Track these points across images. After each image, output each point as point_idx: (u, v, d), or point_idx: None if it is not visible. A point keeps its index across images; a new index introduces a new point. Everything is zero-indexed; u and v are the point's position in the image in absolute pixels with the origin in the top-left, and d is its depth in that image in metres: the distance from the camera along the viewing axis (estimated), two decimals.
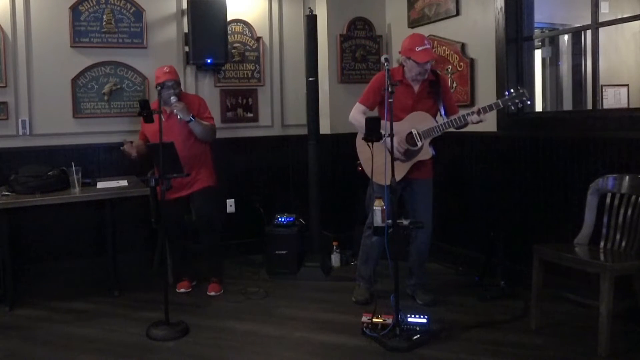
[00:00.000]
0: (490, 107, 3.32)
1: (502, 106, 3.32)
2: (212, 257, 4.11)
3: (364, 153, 3.61)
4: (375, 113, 3.66)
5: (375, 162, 3.50)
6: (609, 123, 3.32)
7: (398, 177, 3.35)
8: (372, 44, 5.16)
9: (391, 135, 3.13)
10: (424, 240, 3.65)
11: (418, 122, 3.46)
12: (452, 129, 3.49)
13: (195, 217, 4.04)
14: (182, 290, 4.05)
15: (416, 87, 3.54)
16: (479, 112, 3.31)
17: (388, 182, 3.24)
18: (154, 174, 4.28)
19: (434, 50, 4.46)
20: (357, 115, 3.60)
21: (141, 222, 4.58)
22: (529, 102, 3.34)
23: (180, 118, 3.79)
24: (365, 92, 3.66)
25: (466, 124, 3.44)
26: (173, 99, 3.82)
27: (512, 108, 3.34)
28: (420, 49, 3.42)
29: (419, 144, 3.44)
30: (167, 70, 3.92)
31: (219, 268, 4.16)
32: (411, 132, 3.45)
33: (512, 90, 3.33)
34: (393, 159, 3.18)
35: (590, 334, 2.90)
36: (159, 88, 3.75)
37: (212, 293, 4.00)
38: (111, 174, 4.55)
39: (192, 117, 3.82)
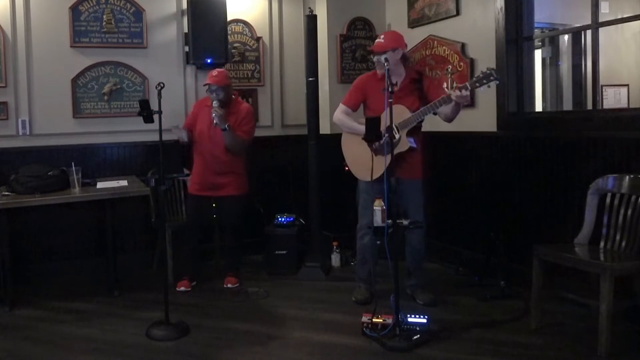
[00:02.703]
0: (460, 90, 3.25)
1: (470, 88, 3.23)
2: (233, 254, 4.23)
3: (350, 153, 3.69)
4: (358, 114, 3.74)
5: (360, 160, 3.55)
6: (609, 123, 3.32)
7: (378, 174, 3.42)
8: (372, 44, 5.15)
9: (391, 136, 3.15)
10: (417, 241, 3.63)
11: (395, 115, 3.44)
12: (441, 120, 3.53)
13: (226, 219, 4.15)
14: (182, 288, 4.05)
15: (397, 85, 3.57)
16: (448, 98, 3.27)
17: (371, 179, 3.38)
18: (154, 174, 4.30)
19: (432, 50, 4.47)
20: (340, 116, 3.72)
21: (141, 222, 4.59)
22: (497, 82, 3.24)
23: (215, 123, 3.85)
24: (348, 93, 3.77)
25: (451, 114, 3.41)
26: (215, 103, 3.89)
27: (482, 89, 3.28)
28: (375, 41, 3.59)
29: (397, 135, 3.43)
30: (215, 74, 4.00)
31: (237, 263, 4.27)
32: (389, 126, 3.44)
33: (480, 72, 3.27)
34: (393, 158, 3.19)
35: (590, 334, 2.90)
36: (159, 88, 3.69)
37: (229, 285, 4.12)
38: (111, 174, 4.55)
39: (227, 126, 3.86)
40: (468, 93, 3.22)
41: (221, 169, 4.02)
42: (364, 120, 3.58)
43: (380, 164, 3.42)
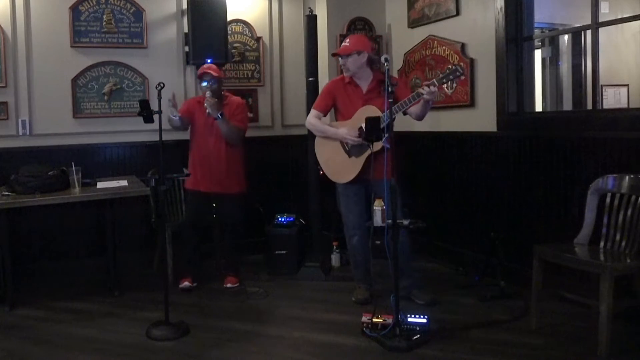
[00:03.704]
0: (428, 86, 3.31)
1: (437, 84, 3.29)
2: (233, 254, 4.23)
3: (322, 156, 3.74)
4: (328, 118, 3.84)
5: (334, 162, 3.61)
6: (609, 123, 3.32)
7: (352, 176, 3.52)
8: (373, 44, 5.15)
9: (391, 136, 3.15)
10: (401, 241, 3.59)
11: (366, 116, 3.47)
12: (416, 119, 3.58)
13: (226, 218, 4.15)
14: (186, 284, 4.04)
15: (364, 88, 3.64)
16: (418, 94, 3.31)
17: (345, 180, 3.50)
18: (154, 174, 4.30)
19: (432, 50, 4.48)
20: (312, 120, 3.77)
21: (141, 222, 4.59)
22: (462, 77, 3.42)
23: (208, 112, 3.85)
24: (318, 97, 3.83)
25: (421, 111, 3.45)
26: (208, 94, 3.89)
27: (449, 83, 3.42)
28: (341, 45, 3.70)
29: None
30: (206, 67, 4.06)
31: (237, 263, 4.27)
32: (361, 127, 3.46)
33: (446, 68, 3.36)
34: (393, 157, 3.20)
35: (590, 334, 2.90)
36: (159, 88, 3.67)
37: (229, 285, 4.12)
38: (111, 174, 4.55)
39: (220, 114, 3.86)
40: (436, 89, 3.31)
41: (220, 164, 4.01)
42: (335, 124, 3.71)
43: (355, 165, 3.50)
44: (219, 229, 4.37)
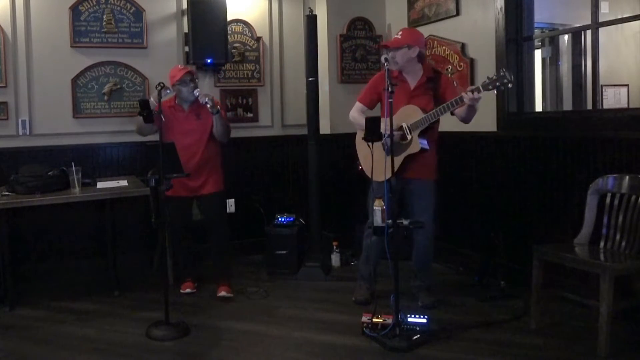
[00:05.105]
0: (472, 92, 3.18)
1: (482, 90, 3.15)
2: (221, 258, 4.07)
3: (363, 151, 3.63)
4: (376, 112, 3.67)
5: (374, 160, 3.52)
6: (609, 123, 3.32)
7: (390, 173, 3.36)
8: (372, 44, 5.16)
9: (391, 136, 3.14)
10: (423, 243, 3.60)
11: (407, 116, 3.42)
12: (456, 120, 3.47)
13: (207, 219, 4.06)
14: (188, 290, 4.02)
15: (412, 84, 3.53)
16: (460, 99, 3.20)
17: (382, 178, 3.31)
18: (154, 174, 4.28)
19: (432, 50, 4.49)
20: (354, 113, 3.69)
21: (141, 222, 4.58)
22: (510, 85, 3.14)
23: (210, 106, 3.77)
24: (364, 90, 3.72)
25: (466, 115, 3.35)
26: (197, 92, 3.82)
27: (493, 90, 3.16)
28: (393, 37, 3.59)
29: (408, 137, 3.41)
30: (181, 67, 4.00)
31: (228, 270, 4.12)
32: (401, 126, 3.43)
33: (493, 74, 3.18)
34: (393, 158, 3.19)
35: (590, 334, 2.91)
36: (159, 88, 3.66)
37: (222, 294, 3.91)
38: (111, 174, 4.55)
39: (219, 108, 3.84)
40: (481, 95, 3.15)
41: (202, 166, 3.92)
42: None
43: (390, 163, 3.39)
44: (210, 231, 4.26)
